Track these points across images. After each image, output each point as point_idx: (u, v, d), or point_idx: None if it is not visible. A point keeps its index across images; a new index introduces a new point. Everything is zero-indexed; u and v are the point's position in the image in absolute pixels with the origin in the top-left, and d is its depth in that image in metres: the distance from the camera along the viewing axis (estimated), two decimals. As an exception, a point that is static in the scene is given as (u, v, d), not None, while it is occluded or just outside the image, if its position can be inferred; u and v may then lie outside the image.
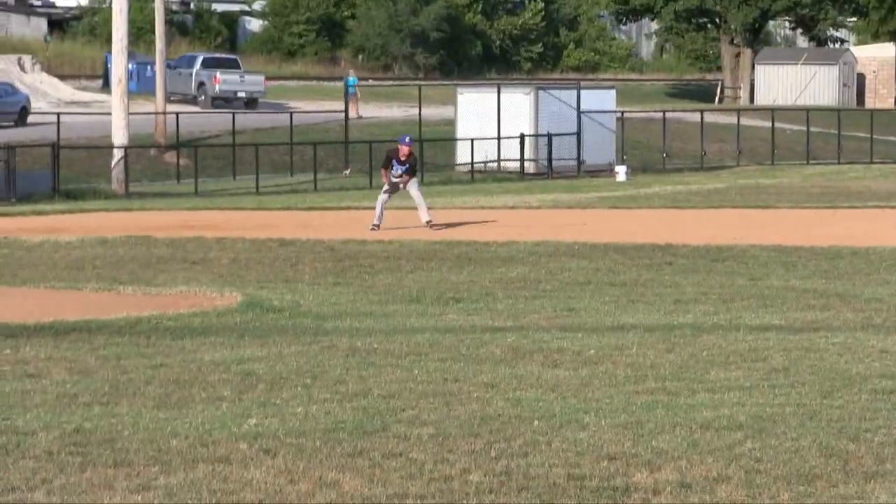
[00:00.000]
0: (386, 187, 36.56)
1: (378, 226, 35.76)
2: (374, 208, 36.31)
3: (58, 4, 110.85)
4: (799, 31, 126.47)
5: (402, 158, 36.08)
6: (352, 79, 79.66)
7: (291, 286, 25.42)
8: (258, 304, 22.91)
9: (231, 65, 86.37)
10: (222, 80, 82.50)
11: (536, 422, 14.25)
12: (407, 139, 37.39)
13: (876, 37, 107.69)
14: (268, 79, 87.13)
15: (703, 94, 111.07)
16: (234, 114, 66.24)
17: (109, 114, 58.25)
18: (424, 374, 16.95)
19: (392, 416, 14.58)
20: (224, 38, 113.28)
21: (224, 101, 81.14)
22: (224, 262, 29.16)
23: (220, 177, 60.54)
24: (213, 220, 40.74)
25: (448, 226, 36.55)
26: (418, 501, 11.35)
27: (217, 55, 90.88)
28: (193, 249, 31.37)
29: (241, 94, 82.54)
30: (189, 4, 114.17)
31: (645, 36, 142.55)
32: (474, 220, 39.25)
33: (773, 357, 18.02)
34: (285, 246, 31.95)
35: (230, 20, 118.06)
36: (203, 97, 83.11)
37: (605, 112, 67.85)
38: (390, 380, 16.59)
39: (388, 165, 36.45)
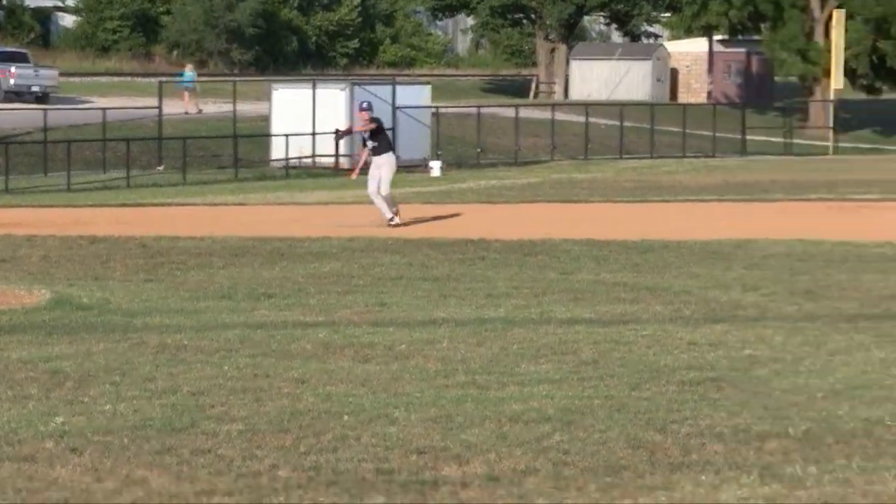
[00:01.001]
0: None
1: (395, 214, 35.04)
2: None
3: None
4: (613, 26, 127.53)
5: (361, 128, 35.05)
6: (189, 73, 79.56)
7: (102, 283, 25.16)
8: (67, 301, 22.68)
9: (22, 59, 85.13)
10: (17, 75, 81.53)
11: (346, 417, 14.24)
12: (364, 104, 36.14)
13: (689, 32, 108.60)
14: (80, 75, 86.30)
15: (518, 90, 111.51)
16: (45, 110, 65.42)
17: None
18: (234, 370, 16.89)
19: (201, 412, 14.51)
20: (37, 34, 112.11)
21: (16, 95, 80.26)
22: (34, 260, 28.81)
23: (31, 174, 59.80)
24: (24, 217, 40.29)
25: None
26: (226, 498, 11.29)
27: (6, 49, 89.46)
28: (2, 247, 30.97)
29: (35, 89, 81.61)
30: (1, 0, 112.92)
31: (461, 31, 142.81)
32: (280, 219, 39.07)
33: (582, 350, 18.13)
34: (96, 243, 31.62)
35: (43, 16, 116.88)
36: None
37: (420, 108, 67.95)
38: (200, 376, 16.50)
39: (364, 143, 35.30)
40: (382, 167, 34.84)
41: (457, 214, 40.04)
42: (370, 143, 34.87)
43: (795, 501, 11.14)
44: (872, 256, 27.65)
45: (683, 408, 14.53)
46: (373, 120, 35.01)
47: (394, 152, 36.00)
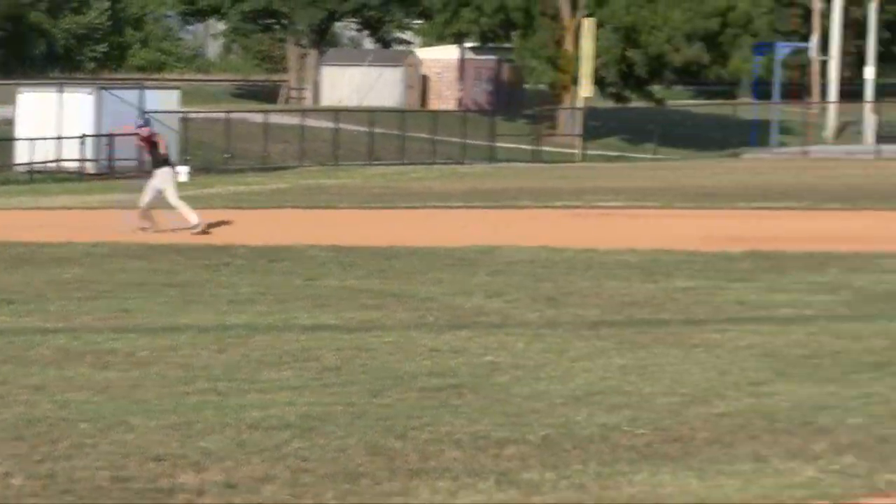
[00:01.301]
0: None
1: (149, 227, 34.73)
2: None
3: None
4: (365, 32, 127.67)
5: (139, 144, 34.65)
6: None
7: None
8: None
9: None
10: None
11: (83, 424, 14.07)
12: (141, 121, 35.89)
13: (440, 39, 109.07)
14: None
15: (268, 96, 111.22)
16: None
17: None
18: (-30, 377, 16.64)
19: (-65, 421, 14.28)
20: None
21: None
22: None
23: None
24: None
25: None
26: (-44, 507, 11.14)
27: None
28: None
29: None
30: None
31: (212, 36, 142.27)
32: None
33: (325, 356, 18.11)
34: None
35: None
36: None
37: (168, 112, 67.58)
38: (-63, 385, 16.25)
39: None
40: (156, 179, 34.78)
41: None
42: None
43: (531, 506, 11.25)
44: (615, 264, 27.93)
45: (424, 414, 14.57)
46: (150, 136, 34.81)
47: (170, 166, 35.69)
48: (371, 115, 79.90)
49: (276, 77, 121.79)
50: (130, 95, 67.19)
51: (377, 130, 77.63)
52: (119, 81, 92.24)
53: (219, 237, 33.31)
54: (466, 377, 16.63)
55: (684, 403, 15.01)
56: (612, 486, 11.78)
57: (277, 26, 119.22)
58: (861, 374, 16.32)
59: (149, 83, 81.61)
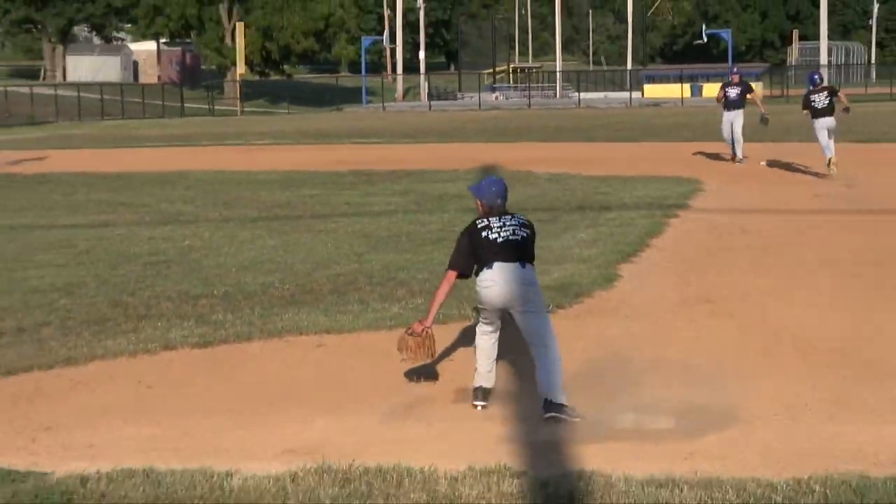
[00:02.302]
0: None
1: None
2: None
3: None
4: (94, 32, 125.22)
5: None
6: None
7: None
8: None
9: None
10: None
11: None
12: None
13: (144, 37, 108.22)
14: None
15: (32, 75, 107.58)
16: None
17: None
18: None
19: None
20: None
21: None
22: None
23: None
24: None
25: None
26: None
27: None
28: None
29: None
30: None
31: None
32: None
33: (79, 244, 17.51)
34: None
35: None
36: None
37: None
38: None
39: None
40: None
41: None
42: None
43: (219, 338, 11.20)
44: (265, 180, 27.70)
45: (146, 280, 14.41)
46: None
47: None
48: (101, 87, 77.88)
49: (36, 62, 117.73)
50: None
51: (106, 97, 75.63)
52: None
53: (2, 168, 32.12)
54: (173, 255, 16.45)
55: (314, 268, 15.08)
56: (269, 321, 11.82)
57: (35, 29, 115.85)
58: (426, 247, 16.57)
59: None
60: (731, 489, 6.75)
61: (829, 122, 26.62)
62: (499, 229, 9.01)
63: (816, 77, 27.59)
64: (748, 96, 29.32)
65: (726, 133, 29.33)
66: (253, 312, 12.25)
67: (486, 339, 9.12)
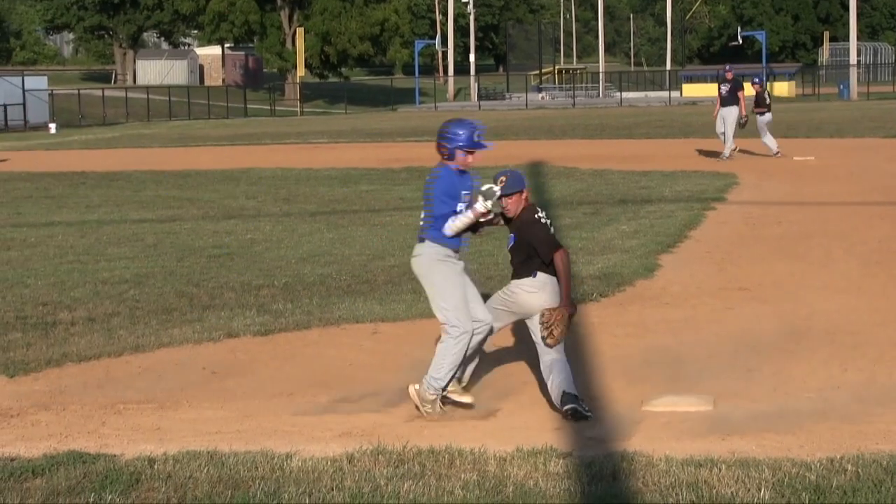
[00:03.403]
0: None
1: None
2: None
3: None
4: (162, 38, 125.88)
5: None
6: None
7: None
8: None
9: None
10: None
11: (-5, 285, 13.68)
12: None
13: (209, 42, 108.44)
14: None
15: (104, 78, 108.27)
16: None
17: None
18: (-79, 258, 15.94)
19: None
20: None
21: None
22: None
23: None
24: None
25: None
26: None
27: None
28: None
29: None
30: None
31: (66, 42, 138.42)
32: None
33: (147, 238, 17.72)
34: None
35: None
36: None
37: (40, 90, 65.60)
38: None
39: None
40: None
41: (65, 155, 38.79)
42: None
43: (279, 326, 11.19)
44: (323, 177, 27.85)
45: (210, 271, 14.43)
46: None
47: None
48: (169, 89, 78.29)
49: (108, 67, 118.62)
50: (15, 80, 64.66)
51: (173, 99, 76.05)
52: (6, 71, 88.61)
53: (77, 167, 32.33)
54: (236, 248, 16.50)
55: (369, 259, 15.07)
56: (327, 310, 11.81)
57: (107, 35, 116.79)
58: (475, 239, 16.43)
59: (27, 72, 78.32)
60: (766, 468, 6.66)
61: (730, 112, 27.31)
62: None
63: (724, 70, 28.79)
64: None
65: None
66: (311, 302, 12.24)
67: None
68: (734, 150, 28.36)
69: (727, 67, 30.42)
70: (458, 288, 8.21)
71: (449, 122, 8.42)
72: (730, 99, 28.27)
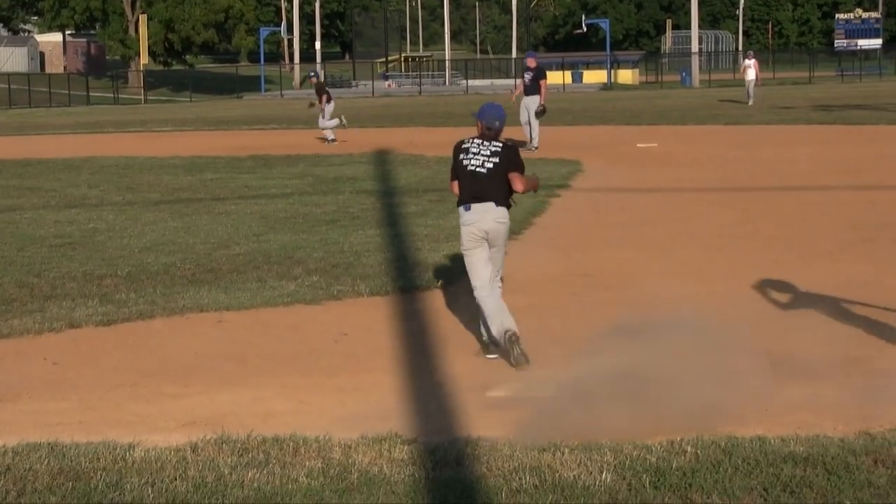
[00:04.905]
0: None
1: None
2: None
3: None
4: (1, 24, 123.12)
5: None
6: None
7: None
8: None
9: None
10: None
11: None
12: None
13: (50, 29, 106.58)
14: None
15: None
16: None
17: None
18: None
19: None
20: None
21: None
22: None
23: None
24: None
25: None
26: None
27: None
28: None
29: None
30: None
31: None
32: None
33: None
34: None
35: None
36: None
37: None
38: None
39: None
40: None
41: None
42: None
43: (122, 316, 11.02)
44: (168, 165, 27.49)
45: (51, 261, 14.16)
46: None
47: None
48: (8, 77, 76.51)
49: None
50: None
51: (13, 87, 74.36)
52: None
53: None
54: (78, 237, 16.21)
55: (214, 248, 14.94)
56: (171, 300, 11.69)
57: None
58: (321, 227, 16.50)
59: None
60: (608, 451, 6.80)
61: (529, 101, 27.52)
62: (474, 155, 9.26)
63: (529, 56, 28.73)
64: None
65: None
66: (155, 291, 12.10)
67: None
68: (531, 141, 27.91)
69: (529, 54, 29.68)
70: None
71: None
72: (531, 88, 27.56)
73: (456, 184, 9.30)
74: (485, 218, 9.12)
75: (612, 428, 7.23)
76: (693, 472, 6.48)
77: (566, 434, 7.10)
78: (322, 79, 34.65)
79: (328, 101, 31.86)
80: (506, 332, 8.95)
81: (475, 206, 9.12)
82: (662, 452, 6.77)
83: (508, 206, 9.28)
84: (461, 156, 9.28)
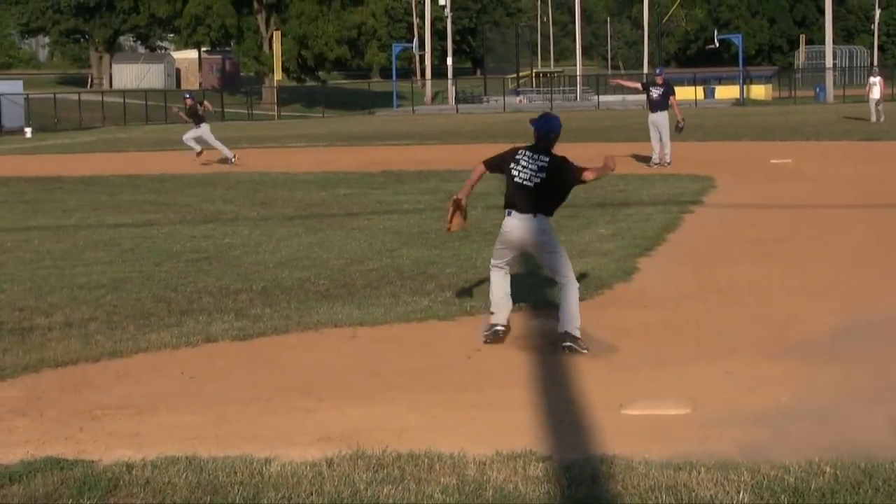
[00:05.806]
0: None
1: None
2: None
3: None
4: (139, 42, 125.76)
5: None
6: None
7: None
8: None
9: None
10: None
11: (-28, 290, 13.57)
12: None
13: (186, 46, 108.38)
14: None
15: (80, 82, 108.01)
16: None
17: None
18: None
19: None
20: None
21: None
22: None
23: None
24: None
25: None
26: None
27: None
28: None
29: None
30: None
31: (41, 46, 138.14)
32: None
33: (124, 242, 17.69)
34: None
35: None
36: None
37: (15, 94, 65.31)
38: None
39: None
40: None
41: (40, 160, 38.59)
42: None
43: (257, 331, 11.15)
44: (301, 181, 27.82)
45: (188, 276, 14.38)
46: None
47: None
48: (145, 93, 78.15)
49: (84, 71, 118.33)
50: (-9, 84, 64.85)
51: (150, 103, 75.90)
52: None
53: (53, 171, 32.19)
54: (213, 252, 16.45)
55: (348, 263, 15.06)
56: (305, 315, 11.78)
57: (83, 39, 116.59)
58: (453, 243, 16.52)
59: (2, 76, 78.12)
60: (745, 471, 6.68)
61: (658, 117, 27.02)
62: (524, 168, 9.84)
63: (658, 70, 28.07)
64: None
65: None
66: (290, 306, 12.21)
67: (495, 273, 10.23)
68: (664, 157, 27.76)
69: (658, 70, 29.59)
70: None
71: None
72: (662, 103, 27.54)
73: (482, 166, 10.21)
74: (521, 227, 9.90)
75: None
76: (832, 493, 6.33)
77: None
78: (199, 100, 34.75)
79: (198, 124, 32.72)
80: (491, 315, 10.28)
81: (515, 215, 9.93)
82: (801, 473, 6.63)
83: (550, 215, 9.96)
84: (511, 165, 9.93)
